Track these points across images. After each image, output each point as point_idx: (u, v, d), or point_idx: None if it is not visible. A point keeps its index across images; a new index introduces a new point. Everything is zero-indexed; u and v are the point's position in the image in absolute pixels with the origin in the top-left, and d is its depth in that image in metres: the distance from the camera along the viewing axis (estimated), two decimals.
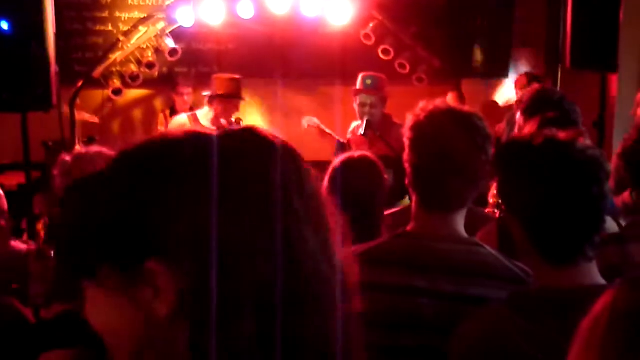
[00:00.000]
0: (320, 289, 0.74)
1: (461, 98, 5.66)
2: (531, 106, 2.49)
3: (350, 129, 4.11)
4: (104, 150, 2.38)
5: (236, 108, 4.39)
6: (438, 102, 1.63)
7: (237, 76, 4.44)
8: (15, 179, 5.21)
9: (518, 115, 2.54)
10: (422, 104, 1.63)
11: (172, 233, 0.69)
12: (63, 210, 0.80)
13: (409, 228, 1.61)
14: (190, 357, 0.69)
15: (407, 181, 1.63)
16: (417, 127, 1.59)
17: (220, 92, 4.27)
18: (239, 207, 0.70)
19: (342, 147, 4.06)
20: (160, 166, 0.72)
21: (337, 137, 4.18)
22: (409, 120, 1.62)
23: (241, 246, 0.69)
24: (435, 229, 1.57)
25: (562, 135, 1.32)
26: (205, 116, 4.38)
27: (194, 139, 0.74)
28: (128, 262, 0.70)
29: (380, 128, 3.90)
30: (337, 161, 2.22)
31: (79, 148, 5.26)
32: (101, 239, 0.71)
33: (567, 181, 1.28)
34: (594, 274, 1.31)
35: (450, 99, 5.61)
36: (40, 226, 4.39)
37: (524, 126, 2.43)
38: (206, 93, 4.46)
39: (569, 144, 1.31)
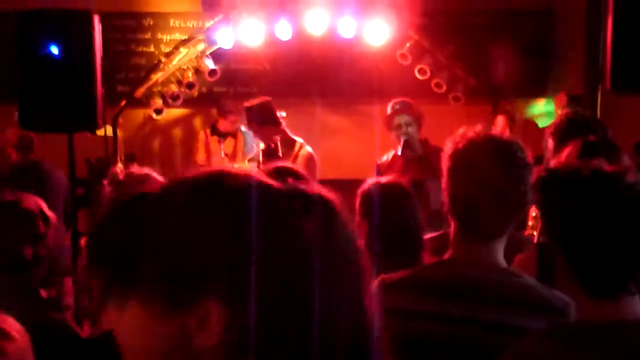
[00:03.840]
0: (355, 338, 0.78)
1: (511, 120, 5.59)
2: (562, 130, 2.48)
3: (384, 158, 4.14)
4: (151, 172, 2.47)
5: (274, 129, 4.27)
6: (478, 128, 1.63)
7: (264, 100, 4.32)
8: None
9: (549, 141, 2.52)
10: (461, 131, 1.64)
11: (234, 274, 0.72)
12: (117, 225, 0.81)
13: (446, 256, 1.63)
14: None
15: (445, 209, 1.65)
16: (455, 155, 1.60)
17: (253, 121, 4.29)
18: (282, 259, 0.74)
19: (377, 170, 4.10)
20: (233, 207, 0.75)
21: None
22: (448, 147, 1.64)
23: (284, 295, 0.73)
24: (473, 257, 1.58)
25: (609, 168, 1.31)
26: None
27: (256, 189, 0.78)
28: (186, 291, 0.73)
29: (421, 151, 3.96)
30: (365, 186, 2.25)
31: (120, 166, 5.42)
32: (166, 265, 0.73)
33: (614, 217, 1.27)
34: (637, 309, 1.30)
35: (501, 121, 5.56)
36: (84, 242, 4.51)
37: (557, 150, 2.42)
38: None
39: (618, 178, 1.30)
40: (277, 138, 4.22)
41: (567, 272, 1.34)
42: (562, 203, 1.34)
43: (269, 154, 4.21)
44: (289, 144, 4.24)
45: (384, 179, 2.28)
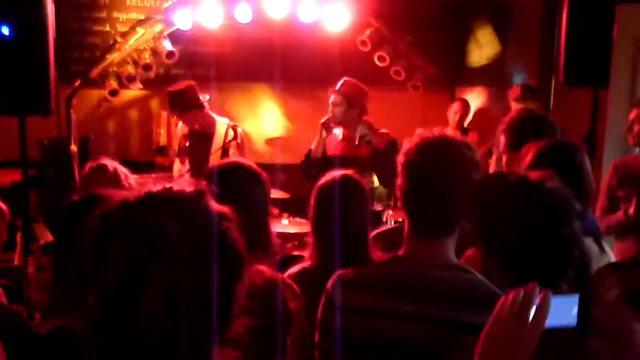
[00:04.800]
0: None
1: (464, 108, 5.72)
2: (514, 128, 2.55)
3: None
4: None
5: (198, 114, 4.30)
6: (435, 130, 1.67)
7: (185, 84, 4.32)
8: (10, 176, 5.22)
9: (502, 137, 2.60)
10: (419, 131, 1.68)
11: None
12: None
13: (400, 252, 1.66)
14: None
15: (400, 206, 1.68)
16: (407, 154, 1.65)
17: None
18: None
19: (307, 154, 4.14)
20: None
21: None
22: (405, 146, 1.68)
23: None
24: (425, 254, 1.62)
25: (533, 175, 1.41)
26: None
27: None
28: None
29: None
30: (321, 182, 2.27)
31: (74, 147, 5.31)
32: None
33: (538, 222, 1.36)
34: None
35: (456, 107, 5.67)
36: (36, 227, 4.42)
37: (509, 147, 2.50)
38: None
39: (538, 185, 1.39)
40: (202, 120, 4.24)
41: (503, 276, 1.41)
42: (492, 209, 1.42)
43: (196, 137, 4.27)
44: (214, 124, 4.28)
45: (338, 175, 2.29)
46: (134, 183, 2.50)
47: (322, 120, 4.11)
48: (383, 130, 4.07)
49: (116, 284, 0.93)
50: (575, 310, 1.06)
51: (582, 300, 1.07)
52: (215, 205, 1.00)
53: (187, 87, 4.28)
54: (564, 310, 1.06)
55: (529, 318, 1.04)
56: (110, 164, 2.54)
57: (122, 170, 2.54)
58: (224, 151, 4.16)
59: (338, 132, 4.15)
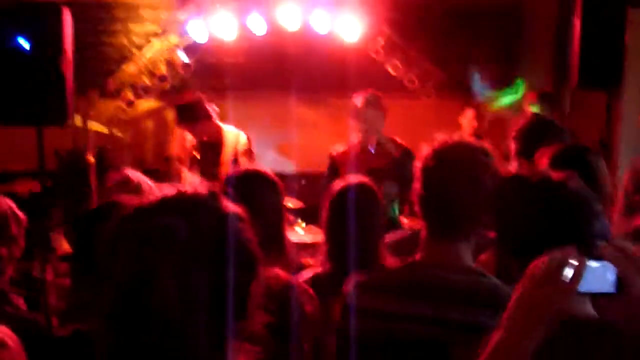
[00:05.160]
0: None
1: (479, 114, 5.69)
2: (525, 135, 2.54)
3: (339, 149, 4.22)
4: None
5: (206, 126, 4.33)
6: (455, 136, 1.69)
7: (194, 97, 4.34)
8: (28, 186, 5.29)
9: (512, 145, 2.59)
10: (438, 136, 1.70)
11: None
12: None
13: (418, 257, 1.67)
14: None
15: (417, 209, 1.69)
16: (424, 159, 1.66)
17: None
18: None
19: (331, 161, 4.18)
20: None
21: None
22: (422, 151, 1.69)
23: None
24: (442, 258, 1.62)
25: (555, 175, 1.40)
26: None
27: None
28: None
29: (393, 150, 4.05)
30: (335, 188, 2.28)
31: (90, 158, 5.37)
32: None
33: (561, 222, 1.35)
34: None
35: (470, 114, 5.65)
36: (53, 237, 4.46)
37: (520, 153, 2.49)
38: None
39: (561, 184, 1.38)
40: (211, 131, 4.28)
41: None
42: (513, 209, 1.42)
43: (205, 147, 4.31)
44: (222, 134, 4.31)
45: (354, 181, 2.31)
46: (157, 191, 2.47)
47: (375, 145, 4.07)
48: (397, 140, 4.10)
49: (125, 284, 0.95)
50: (612, 277, 1.05)
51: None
52: (229, 206, 1.03)
53: (194, 99, 4.32)
54: (600, 277, 1.05)
55: (561, 279, 1.03)
56: (133, 174, 2.54)
57: (145, 180, 2.53)
58: (234, 160, 4.20)
59: (355, 140, 4.15)
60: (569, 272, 1.03)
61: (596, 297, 1.05)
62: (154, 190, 1.04)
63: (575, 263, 1.04)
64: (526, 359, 1.05)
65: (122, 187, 2.46)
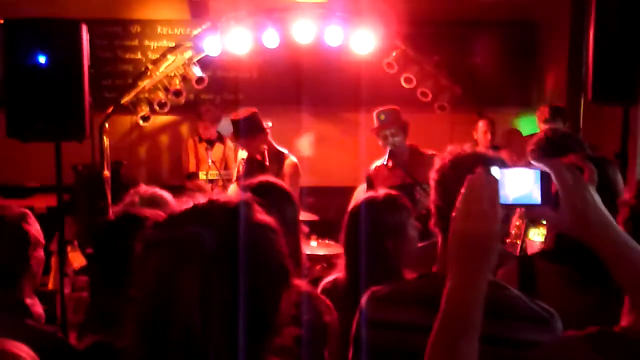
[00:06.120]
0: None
1: (491, 126, 5.68)
2: (541, 149, 2.53)
3: (372, 167, 4.20)
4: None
5: (262, 141, 4.26)
6: (466, 146, 1.69)
7: (250, 111, 4.28)
8: (45, 201, 5.35)
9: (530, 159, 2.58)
10: (450, 148, 1.70)
11: None
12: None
13: (434, 269, 1.67)
14: None
15: (432, 222, 1.69)
16: (440, 170, 1.66)
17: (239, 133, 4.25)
18: None
19: (368, 180, 4.16)
20: None
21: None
22: (436, 163, 1.69)
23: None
24: None
25: None
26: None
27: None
28: None
29: (407, 158, 4.03)
30: (360, 199, 2.28)
31: (107, 173, 5.41)
32: None
33: None
34: None
35: (484, 126, 5.64)
36: (70, 250, 4.49)
37: None
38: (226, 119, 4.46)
39: None
40: (264, 148, 4.24)
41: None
42: None
43: (253, 164, 4.24)
44: (275, 154, 4.27)
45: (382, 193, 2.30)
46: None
47: (385, 162, 4.03)
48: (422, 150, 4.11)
49: (151, 293, 0.95)
50: (537, 185, 1.10)
51: (543, 174, 1.12)
52: (260, 216, 1.02)
53: (252, 114, 4.25)
54: (525, 184, 1.11)
55: (498, 195, 1.10)
56: (155, 191, 2.49)
57: (168, 196, 2.49)
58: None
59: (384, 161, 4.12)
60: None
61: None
62: (180, 204, 1.03)
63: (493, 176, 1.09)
64: (480, 299, 1.13)
65: (149, 202, 2.43)
